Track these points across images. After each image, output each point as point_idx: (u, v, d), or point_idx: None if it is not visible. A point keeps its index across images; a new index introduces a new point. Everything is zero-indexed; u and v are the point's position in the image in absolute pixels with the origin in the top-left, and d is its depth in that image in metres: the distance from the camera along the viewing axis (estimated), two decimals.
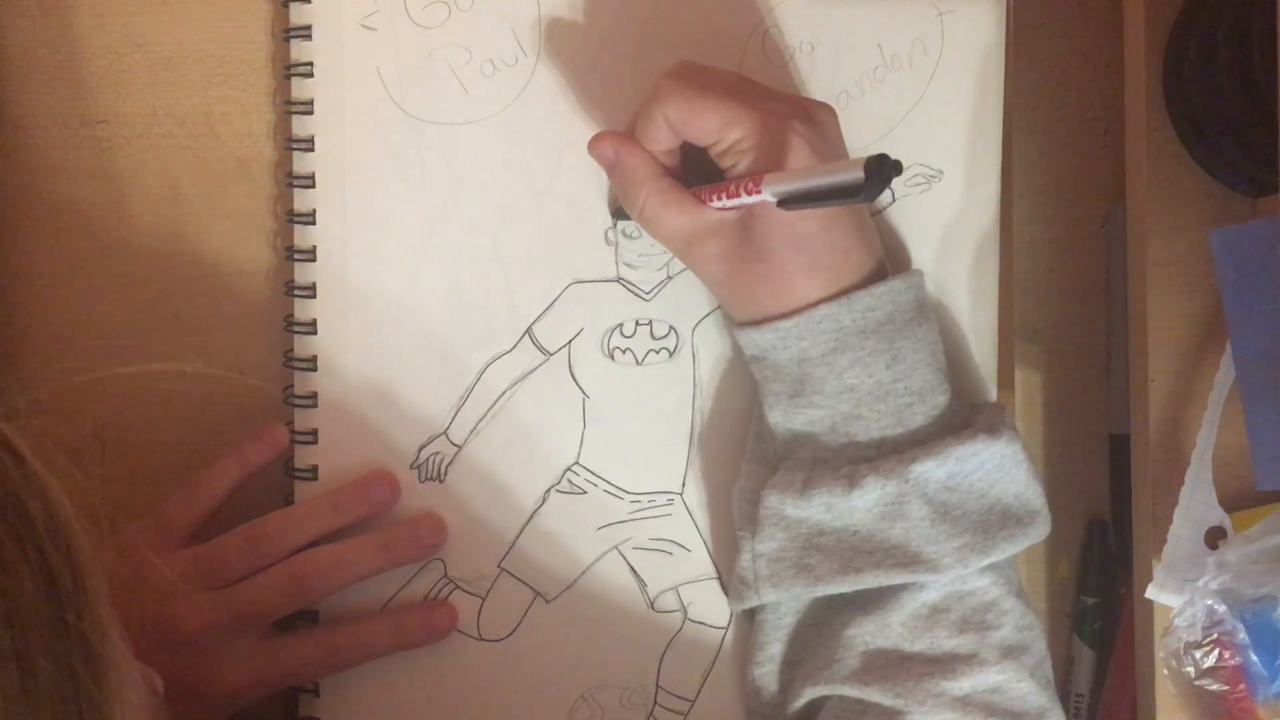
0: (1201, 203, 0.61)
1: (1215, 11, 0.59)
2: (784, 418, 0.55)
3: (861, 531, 0.54)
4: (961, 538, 0.53)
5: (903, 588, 0.54)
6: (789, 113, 0.53)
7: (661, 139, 0.54)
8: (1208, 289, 0.61)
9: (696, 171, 0.56)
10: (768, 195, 0.50)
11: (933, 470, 0.53)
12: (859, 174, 0.46)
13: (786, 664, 0.58)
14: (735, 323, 0.56)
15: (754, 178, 0.51)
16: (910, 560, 0.53)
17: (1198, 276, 0.61)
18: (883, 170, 0.46)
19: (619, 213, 0.58)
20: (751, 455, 0.58)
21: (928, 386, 0.54)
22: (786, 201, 0.50)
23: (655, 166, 0.55)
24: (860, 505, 0.53)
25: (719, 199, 0.53)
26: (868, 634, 0.54)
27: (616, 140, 0.55)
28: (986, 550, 0.53)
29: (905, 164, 0.59)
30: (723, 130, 0.53)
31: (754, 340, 0.55)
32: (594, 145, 0.56)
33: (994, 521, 0.54)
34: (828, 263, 0.53)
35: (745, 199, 0.52)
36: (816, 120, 0.54)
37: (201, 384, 0.61)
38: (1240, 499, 0.61)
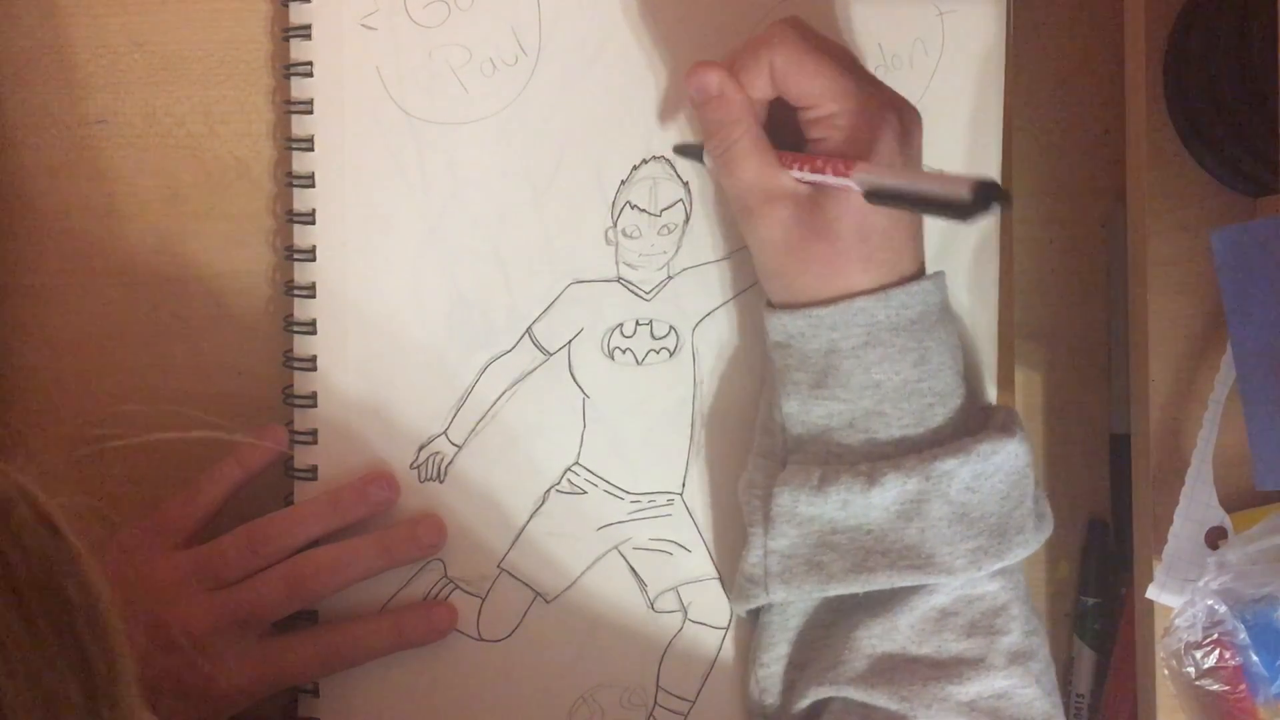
0: (1201, 203, 0.61)
1: (1215, 12, 0.59)
2: (801, 408, 0.55)
3: (875, 531, 0.53)
4: (976, 540, 0.53)
5: (912, 591, 0.54)
6: (889, 104, 0.52)
7: (761, 86, 0.53)
8: (1208, 289, 0.61)
9: (771, 134, 0.54)
10: (855, 184, 0.49)
11: (956, 469, 0.52)
12: (965, 193, 0.44)
13: (792, 665, 0.57)
14: (767, 304, 0.55)
15: (845, 161, 0.50)
16: (924, 562, 0.53)
17: (1198, 276, 0.61)
18: (990, 197, 0.44)
19: (684, 150, 0.57)
20: (759, 449, 0.57)
21: (949, 389, 0.54)
22: (876, 195, 0.49)
23: (755, 110, 0.53)
24: (878, 503, 0.53)
25: (801, 169, 0.52)
26: (875, 636, 0.54)
27: (724, 73, 0.53)
28: (1001, 553, 0.53)
29: None
30: (823, 98, 0.52)
31: (783, 326, 0.54)
32: (697, 73, 0.53)
33: (1011, 524, 0.54)
34: (882, 259, 0.52)
35: (830, 179, 0.50)
36: (905, 120, 0.53)
37: (200, 384, 0.61)
38: (1240, 499, 0.61)
